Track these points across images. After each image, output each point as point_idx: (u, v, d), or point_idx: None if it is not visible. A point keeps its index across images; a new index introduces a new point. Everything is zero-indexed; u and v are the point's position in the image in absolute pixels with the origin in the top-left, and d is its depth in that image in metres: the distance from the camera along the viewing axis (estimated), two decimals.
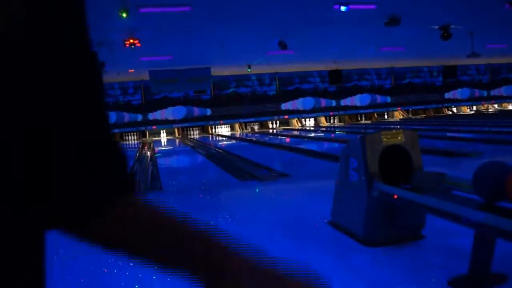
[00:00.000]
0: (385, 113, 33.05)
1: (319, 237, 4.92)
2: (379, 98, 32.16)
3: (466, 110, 34.58)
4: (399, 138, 4.37)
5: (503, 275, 3.27)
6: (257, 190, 8.53)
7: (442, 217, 3.43)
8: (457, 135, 16.52)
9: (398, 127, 21.35)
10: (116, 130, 26.88)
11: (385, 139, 4.38)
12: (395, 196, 3.91)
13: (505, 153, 10.67)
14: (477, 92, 33.98)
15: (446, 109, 34.17)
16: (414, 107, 32.84)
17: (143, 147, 21.47)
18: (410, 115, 32.83)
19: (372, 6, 13.26)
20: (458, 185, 3.89)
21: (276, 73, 29.77)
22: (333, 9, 12.90)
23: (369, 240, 4.33)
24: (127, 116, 28.00)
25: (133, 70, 23.46)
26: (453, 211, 3.24)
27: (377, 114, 32.67)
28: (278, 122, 30.85)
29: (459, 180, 3.90)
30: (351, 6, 12.73)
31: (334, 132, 23.55)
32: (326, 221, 5.20)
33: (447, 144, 13.70)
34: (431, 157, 9.56)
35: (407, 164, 4.35)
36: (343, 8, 12.78)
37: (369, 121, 31.04)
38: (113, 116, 27.08)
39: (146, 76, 25.11)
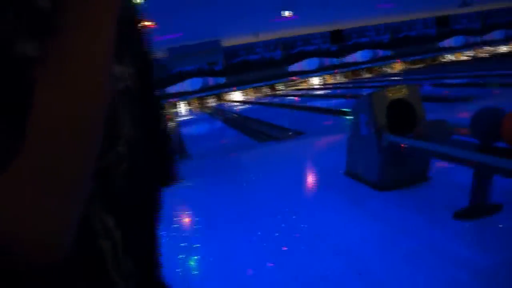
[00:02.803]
0: (385, 66, 32.82)
1: (336, 185, 5.14)
2: (380, 53, 31.90)
3: (461, 57, 34.14)
4: (403, 92, 4.53)
5: (499, 204, 3.49)
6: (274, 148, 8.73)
7: (444, 160, 3.64)
8: (453, 81, 16.48)
9: (399, 78, 21.27)
10: None
11: (390, 95, 4.55)
12: (402, 145, 4.11)
13: (497, 96, 10.72)
14: (470, 39, 33.48)
15: (441, 58, 33.79)
16: (412, 58, 32.53)
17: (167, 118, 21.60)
18: (409, 66, 32.54)
19: None
20: (457, 130, 4.08)
21: (281, 38, 29.56)
22: None
23: (382, 185, 4.55)
24: None
25: None
26: (453, 153, 3.44)
27: (378, 68, 32.44)
28: (287, 83, 30.81)
29: (458, 125, 4.09)
30: None
31: (339, 88, 23.51)
32: (341, 171, 5.42)
33: (445, 90, 13.72)
34: (432, 104, 9.65)
35: (411, 115, 4.53)
36: None
37: (370, 75, 30.85)
38: None
39: (162, 54, 25.11)
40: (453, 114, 8.27)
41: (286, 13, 17.10)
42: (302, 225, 4.04)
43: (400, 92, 4.53)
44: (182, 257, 3.71)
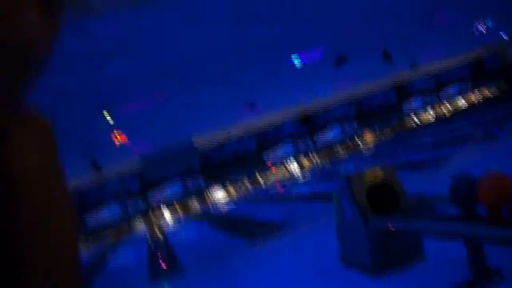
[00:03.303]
0: (357, 139, 33.42)
1: (331, 274, 5.05)
2: (347, 127, 32.73)
3: (426, 117, 35.13)
4: (379, 175, 4.62)
5: (499, 270, 3.47)
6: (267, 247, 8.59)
7: (433, 235, 3.66)
8: (422, 142, 16.89)
9: (372, 151, 21.65)
10: (124, 221, 26.73)
11: (367, 179, 4.64)
12: (391, 228, 4.13)
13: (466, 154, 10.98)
14: (427, 99, 34.78)
15: (407, 121, 34.74)
16: (378, 126, 33.30)
17: (153, 231, 21.33)
18: (379, 136, 33.17)
19: (318, 56, 13.82)
20: (438, 200, 4.14)
21: (252, 130, 30.15)
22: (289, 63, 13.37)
23: (377, 268, 4.49)
24: (130, 204, 27.92)
25: None
26: (439, 229, 3.47)
27: (351, 142, 32.96)
28: (266, 174, 30.93)
29: (437, 195, 4.15)
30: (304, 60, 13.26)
31: (318, 170, 23.76)
32: (335, 259, 5.34)
33: (417, 155, 14.01)
34: (409, 174, 9.81)
35: (392, 194, 4.59)
36: (297, 62, 13.31)
37: (344, 152, 31.22)
38: (117, 208, 27.08)
39: (138, 163, 25.32)
40: (430, 181, 8.41)
41: (253, 105, 17.67)
42: None
43: (376, 176, 4.62)
44: None
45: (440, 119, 29.45)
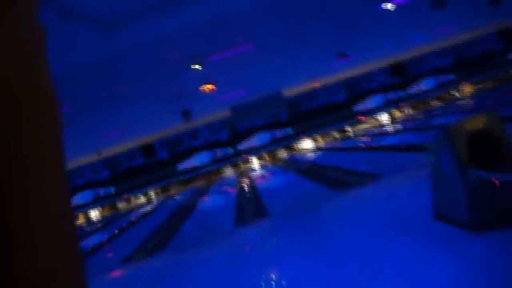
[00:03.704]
0: (452, 90, 31.45)
1: (424, 230, 4.72)
2: (444, 78, 30.78)
3: None
4: (482, 122, 4.15)
5: None
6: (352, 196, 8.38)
7: None
8: None
9: (471, 103, 20.26)
10: (213, 167, 27.75)
11: (468, 126, 4.19)
12: (497, 183, 3.70)
13: None
14: None
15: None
16: (478, 78, 30.95)
17: (240, 177, 21.86)
18: (479, 87, 30.99)
19: None
20: None
21: (341, 80, 29.41)
22: (379, 8, 12.60)
23: (476, 224, 4.11)
24: (219, 152, 28.80)
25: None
26: None
27: (447, 94, 31.15)
28: (355, 124, 30.32)
29: None
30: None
31: (409, 121, 22.73)
32: (427, 214, 4.99)
33: None
34: None
35: (496, 145, 4.12)
36: (389, 6, 12.45)
37: (441, 103, 29.65)
38: (207, 155, 28.08)
39: (228, 113, 25.79)
40: None
41: (343, 55, 17.03)
42: (397, 274, 3.68)
43: (479, 123, 4.15)
44: None
45: None
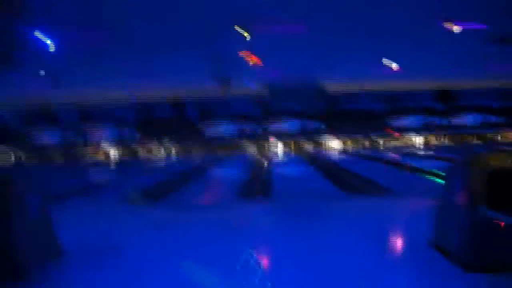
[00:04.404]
0: (498, 134, 30.46)
1: (418, 256, 4.50)
2: (490, 118, 29.79)
3: None
4: (505, 160, 3.86)
5: None
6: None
7: None
8: None
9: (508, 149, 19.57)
10: (237, 140, 27.79)
11: (492, 162, 3.90)
12: (501, 224, 3.44)
13: None
14: None
15: None
16: None
17: (260, 156, 21.79)
18: None
19: (483, 26, 12.35)
20: None
21: (385, 91, 28.78)
22: (443, 28, 12.18)
23: (474, 264, 3.86)
24: (247, 127, 28.74)
25: None
26: None
27: (489, 135, 30.23)
28: (387, 138, 29.76)
29: None
30: (461, 25, 11.93)
31: (443, 151, 22.13)
32: (425, 240, 4.76)
33: None
34: None
35: None
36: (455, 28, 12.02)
37: (480, 142, 28.82)
38: (234, 127, 28.09)
39: (265, 91, 25.59)
40: None
41: (393, 65, 16.59)
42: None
43: (505, 160, 3.86)
44: None
45: None
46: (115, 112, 29.48)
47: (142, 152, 29.84)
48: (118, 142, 29.22)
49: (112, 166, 21.10)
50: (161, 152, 29.92)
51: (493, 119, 29.78)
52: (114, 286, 3.89)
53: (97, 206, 8.96)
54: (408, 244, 5.16)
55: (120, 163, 23.22)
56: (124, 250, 5.04)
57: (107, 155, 29.34)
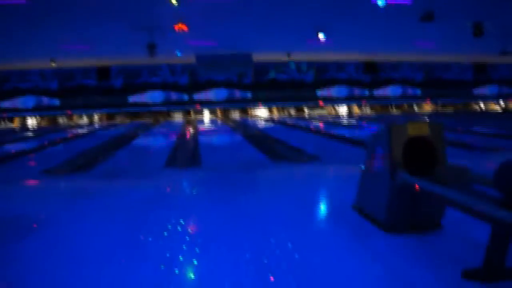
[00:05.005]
0: (414, 104, 32.26)
1: (342, 219, 4.77)
2: (410, 90, 31.42)
3: (494, 107, 33.31)
4: (425, 130, 4.16)
5: None
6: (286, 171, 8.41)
7: (460, 210, 3.25)
8: (482, 130, 15.91)
9: (426, 118, 20.77)
10: (164, 108, 27.35)
11: (410, 130, 4.18)
12: (417, 187, 3.73)
13: None
14: (504, 90, 32.64)
15: (474, 105, 33.06)
16: (443, 100, 31.82)
17: (187, 125, 21.63)
18: (439, 109, 31.94)
19: (408, 2, 12.86)
20: (480, 180, 3.68)
21: (313, 61, 29.40)
22: (371, 3, 12.57)
23: (390, 226, 4.17)
24: (174, 95, 28.35)
25: None
26: (472, 206, 3.05)
27: (407, 106, 32.00)
28: (314, 108, 30.56)
29: (481, 175, 3.69)
30: (388, 1, 12.37)
31: (365, 120, 23.09)
32: (350, 205, 5.04)
33: (472, 138, 13.20)
34: (456, 150, 9.24)
35: (432, 156, 4.15)
36: (380, 2, 12.41)
37: (399, 112, 30.41)
38: (161, 95, 27.63)
39: (193, 59, 25.24)
40: (477, 163, 7.84)
41: (321, 36, 16.92)
42: (296, 256, 3.68)
43: (422, 129, 4.15)
44: (162, 267, 3.39)
45: (508, 112, 27.67)
46: (36, 79, 27.90)
47: (63, 121, 28.60)
48: (38, 109, 27.75)
49: (32, 135, 20.09)
50: (84, 120, 28.84)
51: (413, 91, 31.43)
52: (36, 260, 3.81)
53: (14, 176, 8.57)
54: (333, 209, 5.43)
55: (39, 131, 22.12)
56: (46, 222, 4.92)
57: (24, 122, 27.85)
